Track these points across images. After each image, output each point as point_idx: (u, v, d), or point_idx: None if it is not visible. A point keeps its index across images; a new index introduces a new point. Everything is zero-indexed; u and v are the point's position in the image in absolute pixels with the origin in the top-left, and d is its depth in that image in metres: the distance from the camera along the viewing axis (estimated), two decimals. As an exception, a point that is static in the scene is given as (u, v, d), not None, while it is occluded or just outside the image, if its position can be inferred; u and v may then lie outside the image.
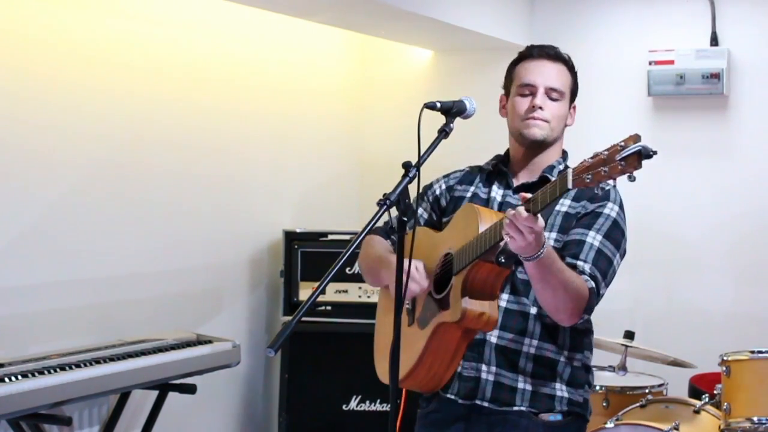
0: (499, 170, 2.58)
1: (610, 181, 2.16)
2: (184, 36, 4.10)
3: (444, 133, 2.32)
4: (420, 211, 2.66)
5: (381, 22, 4.47)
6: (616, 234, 2.43)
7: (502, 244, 2.17)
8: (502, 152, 2.66)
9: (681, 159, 4.62)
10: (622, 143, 1.91)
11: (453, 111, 2.34)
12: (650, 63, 4.54)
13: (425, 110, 2.25)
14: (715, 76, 4.44)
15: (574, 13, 4.85)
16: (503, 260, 2.21)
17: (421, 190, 2.67)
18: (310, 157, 4.88)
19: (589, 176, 1.96)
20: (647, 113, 4.69)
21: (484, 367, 2.44)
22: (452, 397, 2.49)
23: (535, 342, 2.44)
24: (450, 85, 4.94)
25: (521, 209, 2.08)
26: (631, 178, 1.91)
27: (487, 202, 2.53)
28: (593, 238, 2.40)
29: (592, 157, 1.97)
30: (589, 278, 2.35)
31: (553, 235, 2.42)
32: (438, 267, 2.44)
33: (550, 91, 2.49)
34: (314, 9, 4.23)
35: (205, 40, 4.22)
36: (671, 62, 4.51)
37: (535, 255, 2.15)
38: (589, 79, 4.86)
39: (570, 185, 2.00)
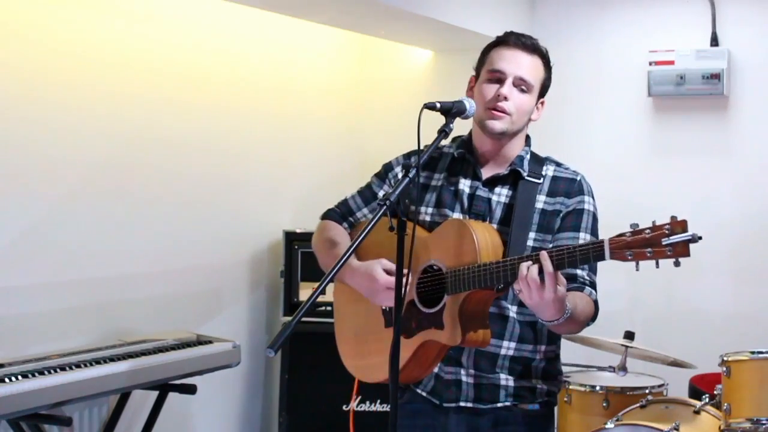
0: (463, 158, 2.55)
1: (582, 180, 2.42)
2: (184, 36, 4.10)
3: (444, 133, 2.31)
4: (381, 192, 2.63)
5: (381, 22, 4.47)
6: (596, 227, 2.48)
7: (516, 293, 2.19)
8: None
9: (681, 159, 4.62)
10: (668, 227, 1.95)
11: (453, 111, 2.33)
12: (650, 63, 4.54)
13: (425, 110, 2.24)
14: (716, 77, 4.44)
15: (574, 14, 4.85)
16: (501, 287, 2.23)
17: (380, 169, 2.66)
18: (310, 157, 4.88)
19: (630, 253, 1.99)
20: (647, 114, 4.69)
21: (463, 371, 2.45)
22: (424, 395, 2.51)
23: (513, 344, 2.45)
24: (450, 86, 4.91)
25: (534, 270, 2.10)
26: (677, 264, 1.96)
27: (455, 195, 2.50)
28: (584, 240, 2.41)
29: (631, 233, 2.00)
30: (591, 288, 2.40)
31: (532, 235, 2.42)
32: (419, 276, 2.41)
33: (519, 82, 2.44)
34: (314, 9, 4.23)
35: (205, 40, 4.21)
36: (671, 62, 4.51)
37: (556, 320, 2.19)
38: (590, 79, 4.89)
39: (608, 258, 2.04)
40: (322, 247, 2.63)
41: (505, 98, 2.43)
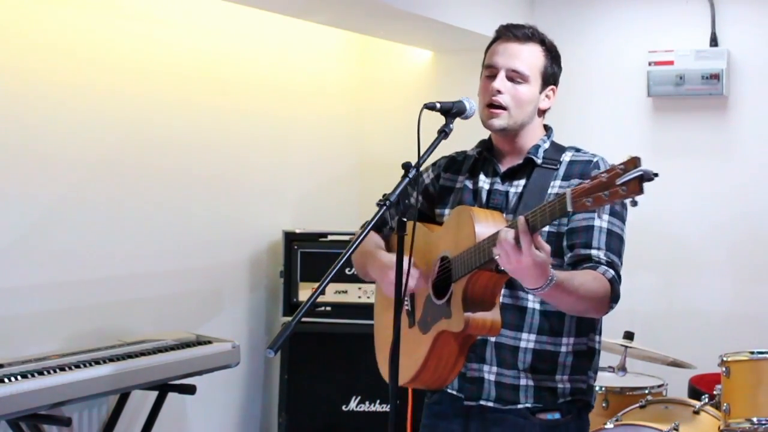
0: (484, 157, 2.54)
1: (600, 161, 2.39)
2: (184, 36, 4.10)
3: (443, 133, 2.31)
4: (411, 200, 2.64)
5: (381, 23, 4.47)
6: (618, 208, 2.40)
7: (495, 257, 2.14)
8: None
9: (680, 160, 4.62)
10: (622, 167, 1.88)
11: (452, 111, 2.33)
12: (650, 63, 4.55)
13: (425, 111, 2.24)
14: (715, 77, 4.44)
15: (573, 14, 4.85)
16: (502, 268, 2.18)
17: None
18: (310, 157, 4.89)
19: (590, 200, 1.93)
20: (647, 114, 4.70)
21: (486, 368, 2.43)
22: (454, 393, 2.49)
23: (533, 336, 2.41)
24: (449, 86, 4.93)
25: (510, 234, 2.05)
26: (634, 203, 1.88)
27: (475, 193, 2.50)
28: (600, 220, 2.36)
29: (591, 179, 1.94)
30: (607, 267, 2.32)
31: None
32: (435, 270, 2.42)
33: (511, 74, 2.43)
34: (314, 9, 4.23)
35: (205, 40, 4.22)
36: (671, 63, 4.51)
37: (539, 287, 2.12)
38: (589, 79, 4.89)
39: (569, 208, 1.97)
40: (360, 257, 2.62)
41: (499, 92, 2.42)
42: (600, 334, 2.53)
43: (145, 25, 3.92)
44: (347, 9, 4.17)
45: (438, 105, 2.31)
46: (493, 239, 2.16)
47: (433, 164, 2.66)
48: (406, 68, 5.20)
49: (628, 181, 1.86)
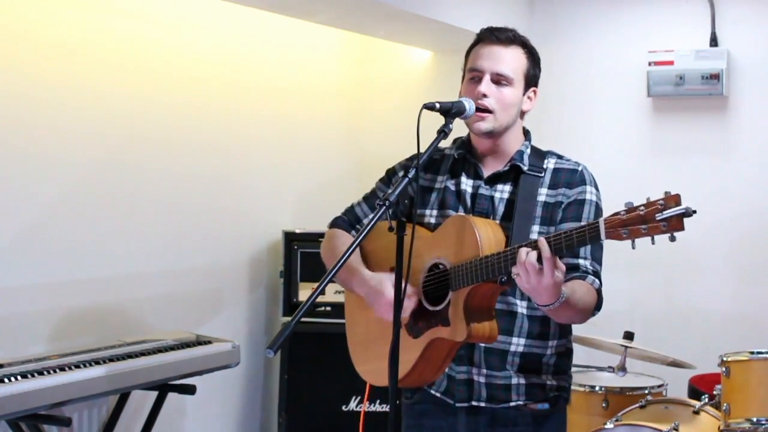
0: (464, 157, 2.55)
1: (584, 170, 2.41)
2: (184, 36, 4.10)
3: (443, 133, 2.31)
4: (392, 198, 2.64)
5: (380, 23, 4.47)
6: (599, 217, 2.42)
7: (513, 276, 2.17)
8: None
9: (680, 160, 4.62)
10: (662, 202, 1.93)
11: (452, 111, 2.33)
12: (650, 63, 4.54)
13: (424, 111, 2.24)
14: (715, 77, 4.44)
15: (573, 14, 4.85)
16: (505, 280, 2.22)
17: (384, 175, 2.66)
18: (310, 157, 4.89)
19: (626, 231, 1.98)
20: (647, 114, 4.69)
21: (474, 370, 2.45)
22: (438, 395, 2.51)
23: (522, 340, 2.45)
24: (449, 86, 4.89)
25: (533, 255, 2.09)
26: (672, 239, 1.94)
27: (458, 195, 2.51)
28: None
29: (626, 211, 1.98)
30: (594, 277, 2.38)
31: (536, 227, 2.41)
32: (425, 275, 2.42)
33: (496, 77, 2.43)
34: (313, 9, 4.23)
35: (205, 40, 4.22)
36: (671, 63, 4.51)
37: (550, 304, 2.18)
38: (589, 79, 4.90)
39: (603, 238, 2.03)
40: (332, 258, 2.61)
41: (485, 95, 2.43)
42: (572, 334, 2.60)
43: (145, 25, 3.92)
44: (347, 9, 4.17)
45: (437, 105, 2.30)
46: (505, 255, 2.19)
47: (409, 159, 2.62)
48: (405, 68, 5.20)
49: (669, 218, 1.92)
